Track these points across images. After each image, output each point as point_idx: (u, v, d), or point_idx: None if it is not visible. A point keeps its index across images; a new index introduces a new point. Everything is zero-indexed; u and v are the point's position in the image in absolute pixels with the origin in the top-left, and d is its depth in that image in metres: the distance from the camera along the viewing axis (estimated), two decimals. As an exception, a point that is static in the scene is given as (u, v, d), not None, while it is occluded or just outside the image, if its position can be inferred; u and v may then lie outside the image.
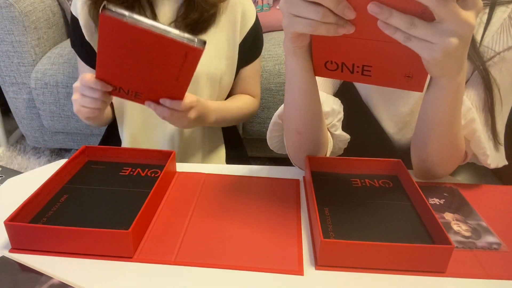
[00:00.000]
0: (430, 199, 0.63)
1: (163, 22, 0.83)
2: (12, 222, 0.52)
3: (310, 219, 0.60)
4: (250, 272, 0.50)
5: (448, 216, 0.60)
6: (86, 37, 0.85)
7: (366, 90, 0.75)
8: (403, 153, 0.74)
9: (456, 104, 0.55)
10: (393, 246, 0.49)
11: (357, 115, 0.76)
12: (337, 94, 0.77)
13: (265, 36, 1.57)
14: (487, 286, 0.49)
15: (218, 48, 0.87)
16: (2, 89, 1.55)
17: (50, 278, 0.48)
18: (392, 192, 0.64)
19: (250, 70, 0.95)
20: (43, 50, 1.51)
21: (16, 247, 0.53)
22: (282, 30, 1.57)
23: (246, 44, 0.90)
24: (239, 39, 0.89)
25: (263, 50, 1.37)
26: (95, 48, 0.84)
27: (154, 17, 0.83)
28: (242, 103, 0.95)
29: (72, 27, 0.87)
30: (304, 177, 0.70)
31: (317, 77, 0.59)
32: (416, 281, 0.49)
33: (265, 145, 1.55)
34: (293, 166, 0.73)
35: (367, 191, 0.64)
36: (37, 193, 0.58)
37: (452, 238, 0.55)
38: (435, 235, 0.53)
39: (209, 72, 0.87)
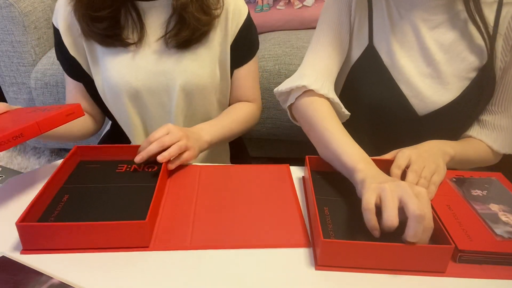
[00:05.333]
0: (472, 191, 0.63)
1: (151, 33, 0.79)
2: (24, 223, 0.52)
3: (310, 219, 0.60)
4: (262, 249, 0.54)
5: (494, 207, 0.60)
6: (70, 51, 0.81)
7: (390, 58, 0.75)
8: (424, 116, 0.75)
9: None
10: (393, 246, 0.49)
11: (379, 80, 0.76)
12: (360, 59, 0.77)
13: (265, 36, 1.58)
14: (487, 286, 0.49)
15: (212, 56, 0.83)
16: (2, 89, 1.54)
17: (50, 278, 0.48)
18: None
19: (244, 71, 0.90)
20: (43, 50, 1.51)
21: (28, 248, 0.53)
22: (282, 30, 1.58)
23: (238, 44, 0.85)
24: (230, 39, 0.84)
25: (263, 50, 1.39)
26: (80, 61, 0.82)
27: (141, 26, 0.78)
28: (240, 115, 0.89)
29: (55, 39, 0.83)
30: (303, 176, 0.70)
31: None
32: (416, 281, 0.49)
33: (265, 145, 1.55)
34: (293, 166, 0.73)
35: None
36: (39, 195, 0.57)
37: (502, 229, 0.55)
38: (435, 235, 0.53)
39: (205, 87, 0.83)
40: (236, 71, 0.89)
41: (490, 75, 0.71)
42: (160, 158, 0.66)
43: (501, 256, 0.52)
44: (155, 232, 0.57)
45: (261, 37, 1.54)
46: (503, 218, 0.57)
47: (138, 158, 0.68)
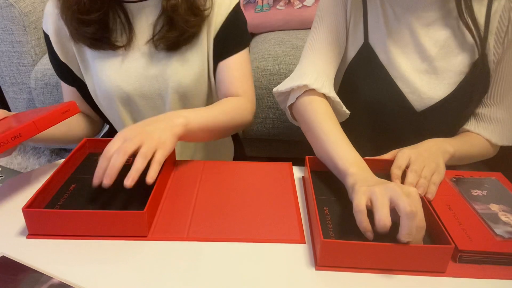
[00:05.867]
0: (472, 191, 0.63)
1: (139, 35, 0.78)
2: (30, 209, 0.54)
3: (310, 219, 0.60)
4: (257, 243, 0.55)
5: (494, 207, 0.60)
6: (61, 58, 0.81)
7: (386, 56, 0.75)
8: (422, 112, 0.75)
9: None
10: (394, 246, 0.49)
11: (376, 77, 0.76)
12: (356, 57, 0.78)
13: (265, 36, 1.58)
14: (487, 286, 0.49)
15: (201, 55, 0.81)
16: (2, 89, 1.54)
17: (50, 278, 0.48)
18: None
19: (231, 63, 0.83)
20: (43, 50, 1.51)
21: (33, 232, 0.56)
22: (282, 30, 1.58)
23: (221, 35, 0.81)
24: (213, 32, 0.80)
25: (263, 50, 1.39)
26: (71, 67, 0.82)
27: (130, 28, 0.77)
28: (226, 106, 0.80)
29: (46, 45, 0.82)
30: (303, 177, 0.70)
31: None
32: (416, 281, 0.49)
33: (265, 145, 1.55)
34: (293, 166, 0.73)
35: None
36: (46, 184, 0.59)
37: (501, 229, 0.55)
38: (435, 235, 0.53)
39: (198, 87, 0.82)
40: (221, 64, 0.83)
41: (482, 70, 0.71)
42: (127, 182, 0.55)
43: (501, 256, 0.52)
44: (155, 222, 0.58)
45: (261, 37, 1.55)
46: (503, 218, 0.57)
47: (106, 181, 0.56)
